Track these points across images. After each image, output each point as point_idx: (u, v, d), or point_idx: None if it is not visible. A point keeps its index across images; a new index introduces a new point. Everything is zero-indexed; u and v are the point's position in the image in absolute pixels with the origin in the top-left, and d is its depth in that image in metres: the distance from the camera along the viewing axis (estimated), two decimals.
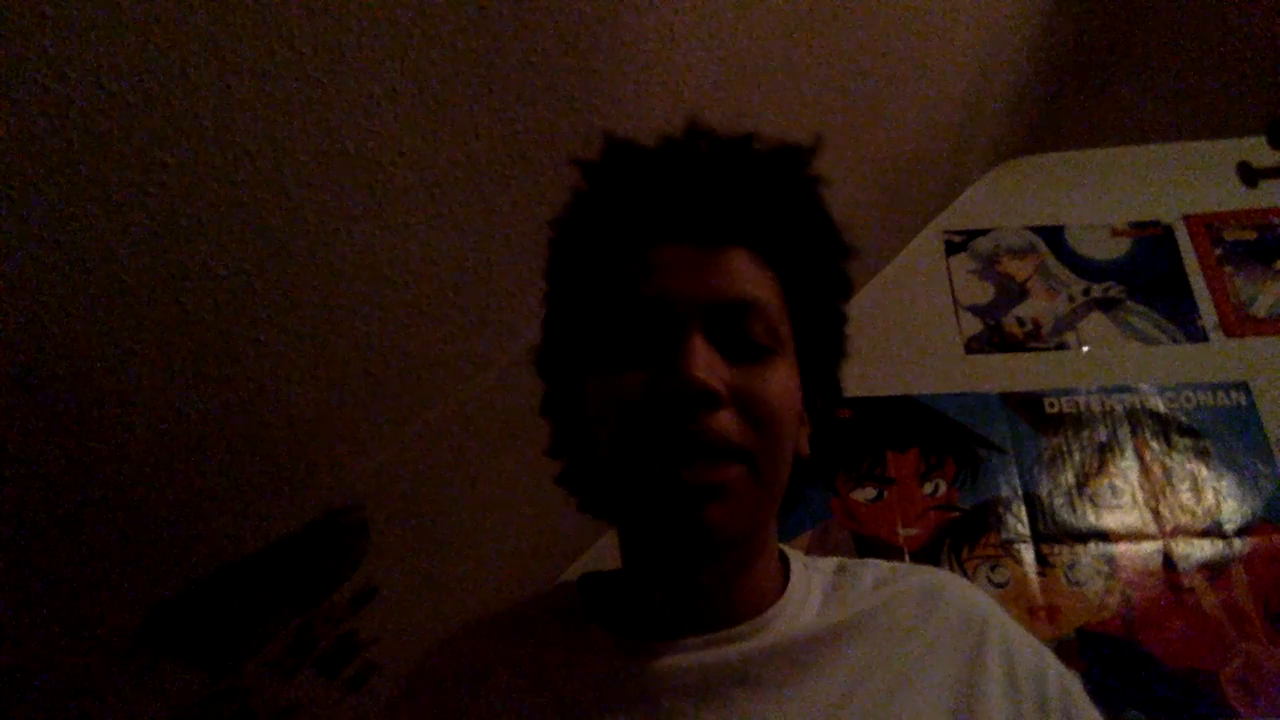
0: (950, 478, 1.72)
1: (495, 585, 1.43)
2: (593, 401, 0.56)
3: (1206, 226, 1.95)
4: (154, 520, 0.84)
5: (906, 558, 1.65)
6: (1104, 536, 1.64)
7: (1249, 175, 1.64)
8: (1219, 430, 1.72)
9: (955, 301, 1.93)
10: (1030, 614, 1.57)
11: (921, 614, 0.59)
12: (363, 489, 1.06)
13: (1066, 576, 1.61)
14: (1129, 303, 1.89)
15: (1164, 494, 1.67)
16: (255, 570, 0.98)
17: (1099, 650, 1.54)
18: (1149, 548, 1.62)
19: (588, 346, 0.58)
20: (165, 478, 0.82)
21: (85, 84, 0.59)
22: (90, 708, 0.91)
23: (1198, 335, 1.83)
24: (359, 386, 0.96)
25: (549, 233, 0.63)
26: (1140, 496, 1.67)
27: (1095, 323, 1.88)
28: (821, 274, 0.61)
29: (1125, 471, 1.70)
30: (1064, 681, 0.58)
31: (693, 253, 0.55)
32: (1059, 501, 1.68)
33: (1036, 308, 1.90)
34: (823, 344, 0.62)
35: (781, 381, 0.55)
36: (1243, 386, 1.75)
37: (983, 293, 1.94)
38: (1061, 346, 1.86)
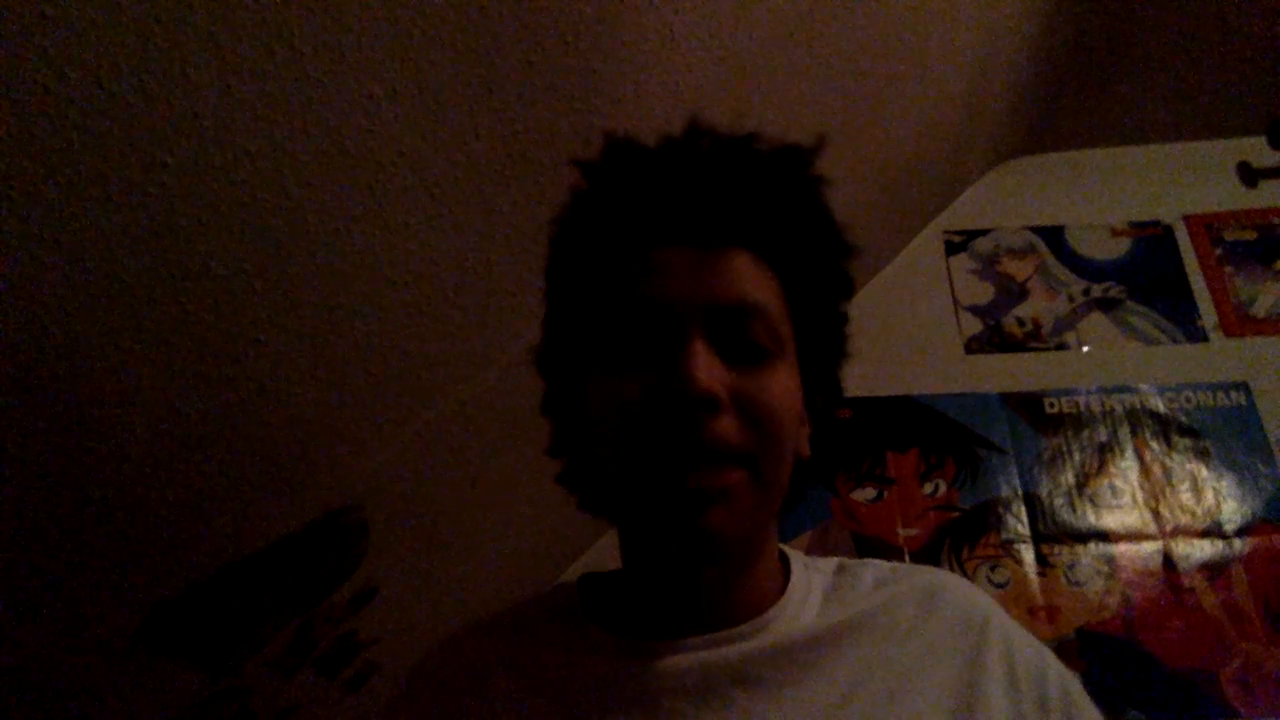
0: (950, 478, 1.72)
1: (495, 585, 1.43)
2: (593, 404, 0.56)
3: (1206, 226, 1.95)
4: (154, 520, 0.84)
5: (906, 558, 1.65)
6: (1104, 536, 1.64)
7: (1249, 175, 1.65)
8: (1219, 430, 1.72)
9: (955, 301, 1.93)
10: (1030, 614, 1.57)
11: (922, 614, 0.59)
12: (363, 489, 1.06)
13: (1066, 576, 1.61)
14: (1129, 303, 1.89)
15: (1164, 494, 1.67)
16: (255, 570, 0.98)
17: (1099, 650, 1.54)
18: (1149, 548, 1.62)
19: (588, 347, 0.58)
20: (165, 478, 0.82)
21: (85, 84, 0.59)
22: (90, 708, 0.91)
23: (1198, 335, 1.83)
24: (359, 386, 0.96)
25: (549, 231, 0.63)
26: (1140, 496, 1.67)
27: (1095, 323, 1.88)
28: (823, 275, 0.61)
29: (1125, 471, 1.70)
30: (1064, 681, 0.58)
31: (693, 254, 0.55)
32: (1059, 501, 1.68)
33: (1036, 308, 1.90)
34: (824, 345, 0.62)
35: (782, 385, 0.54)
36: (1243, 386, 1.75)
37: (983, 293, 1.94)
38: (1061, 346, 1.86)
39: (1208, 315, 1.85)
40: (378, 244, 0.87)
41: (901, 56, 1.44)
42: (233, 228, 0.74)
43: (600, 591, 0.63)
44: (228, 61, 0.66)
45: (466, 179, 0.91)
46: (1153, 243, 1.95)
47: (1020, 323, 1.89)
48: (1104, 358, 1.83)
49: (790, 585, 0.60)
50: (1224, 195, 1.94)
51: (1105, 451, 1.73)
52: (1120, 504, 1.67)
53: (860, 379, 1.79)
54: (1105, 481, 1.70)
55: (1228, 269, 1.90)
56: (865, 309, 1.88)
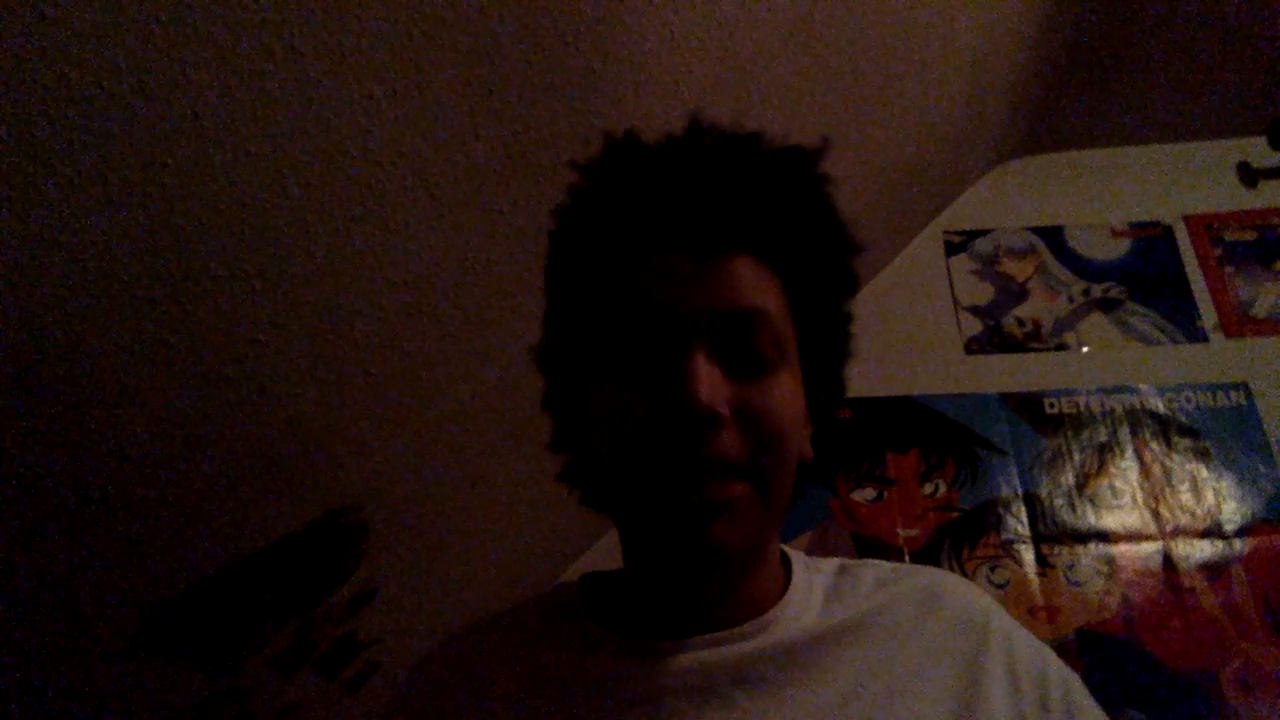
0: (950, 478, 1.72)
1: (495, 585, 1.43)
2: (595, 412, 0.56)
3: (1206, 227, 1.95)
4: (154, 520, 0.84)
5: (906, 558, 1.65)
6: (1104, 537, 1.64)
7: (1249, 175, 1.65)
8: (1219, 430, 1.72)
9: (955, 302, 1.93)
10: (1030, 614, 1.57)
11: (922, 614, 0.59)
12: (363, 489, 1.06)
13: (1066, 577, 1.61)
14: (1129, 303, 1.89)
15: (1164, 494, 1.67)
16: (255, 570, 0.98)
17: (1099, 650, 1.54)
18: (1149, 548, 1.62)
19: (589, 350, 0.57)
20: (165, 478, 0.82)
21: (85, 84, 0.59)
22: (90, 708, 0.91)
23: (1198, 336, 1.83)
24: (359, 386, 0.96)
25: (549, 225, 0.63)
26: (1140, 497, 1.67)
27: (1095, 323, 1.88)
28: (828, 277, 0.60)
29: (1125, 472, 1.70)
30: (1066, 681, 0.58)
31: (695, 259, 0.54)
32: (1059, 502, 1.68)
33: (1036, 308, 1.90)
34: (828, 346, 0.62)
35: (785, 395, 0.54)
36: (1242, 387, 1.75)
37: (983, 293, 1.94)
38: (1061, 347, 1.86)
39: (1208, 315, 1.85)
40: (378, 244, 0.87)
41: (901, 56, 1.44)
42: (233, 228, 0.74)
43: (601, 591, 0.63)
44: (228, 61, 0.66)
45: (466, 179, 0.91)
46: (1153, 243, 1.95)
47: (1020, 323, 1.89)
48: (1104, 358, 1.83)
49: (791, 586, 0.60)
50: (1224, 195, 1.94)
51: (1105, 452, 1.73)
52: (1120, 504, 1.67)
53: (860, 379, 1.78)
54: (1105, 482, 1.70)
55: (1228, 269, 1.90)
56: (865, 309, 1.87)
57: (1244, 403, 1.74)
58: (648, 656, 0.55)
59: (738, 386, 0.52)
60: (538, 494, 1.34)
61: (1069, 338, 1.86)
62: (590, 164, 0.60)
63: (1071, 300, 1.90)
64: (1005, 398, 1.79)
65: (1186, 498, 1.66)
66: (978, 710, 0.54)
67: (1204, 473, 1.68)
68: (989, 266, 1.97)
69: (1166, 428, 1.74)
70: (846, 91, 1.38)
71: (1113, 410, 1.76)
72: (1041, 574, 1.62)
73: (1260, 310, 1.84)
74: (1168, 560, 1.61)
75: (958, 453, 1.74)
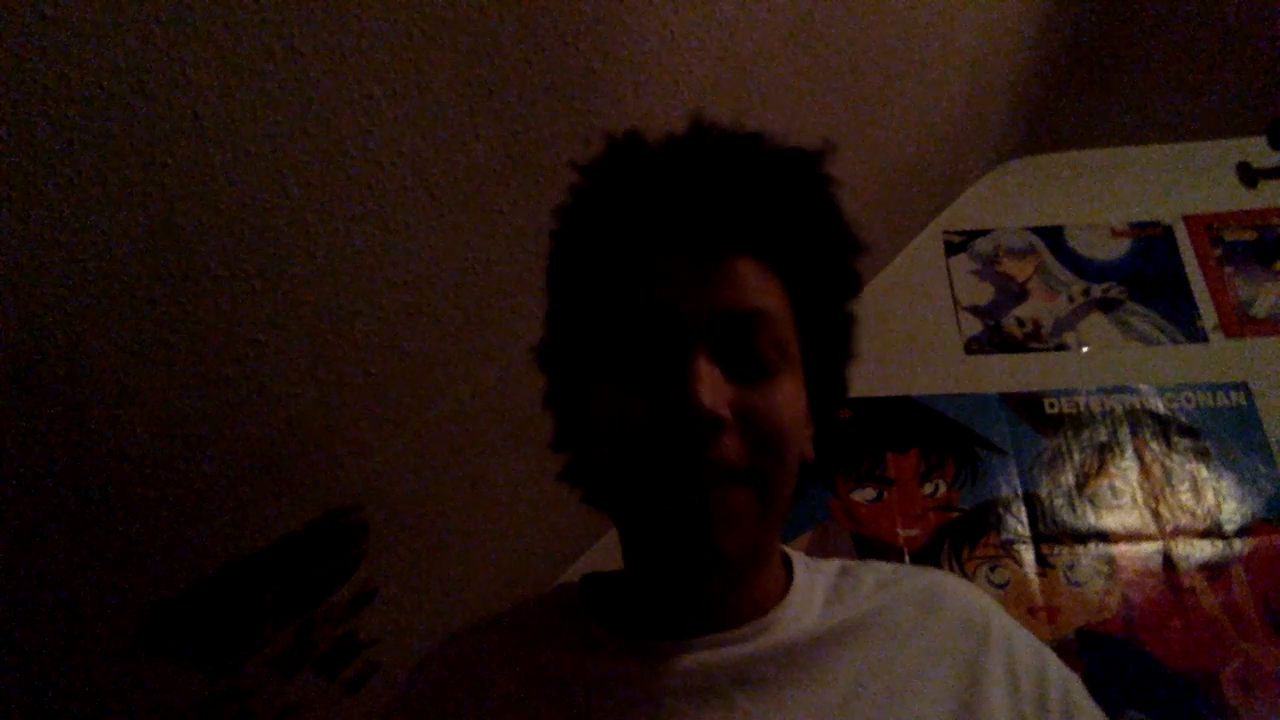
0: (950, 478, 1.72)
1: (495, 585, 1.43)
2: (596, 414, 0.56)
3: (1206, 227, 1.95)
4: (154, 520, 0.84)
5: (906, 558, 1.65)
6: (1104, 537, 1.64)
7: (1249, 175, 1.65)
8: (1219, 430, 1.72)
9: (955, 301, 1.93)
10: (1030, 614, 1.57)
11: (923, 615, 0.59)
12: (363, 489, 1.06)
13: (1066, 577, 1.61)
14: (1129, 303, 1.89)
15: (1164, 494, 1.67)
16: (255, 570, 0.98)
17: (1099, 650, 1.54)
18: (1149, 548, 1.62)
19: (591, 350, 0.57)
20: (165, 478, 0.82)
21: (85, 84, 0.59)
22: (90, 708, 0.91)
23: (1198, 336, 1.83)
24: (359, 386, 0.96)
25: (550, 224, 0.62)
26: (1140, 497, 1.67)
27: (1095, 323, 1.88)
28: (831, 278, 0.60)
29: (1125, 472, 1.70)
30: (1066, 682, 0.58)
31: (698, 262, 0.54)
32: (1059, 502, 1.68)
33: (1036, 308, 1.90)
34: (831, 348, 0.62)
35: (787, 398, 0.54)
36: (1242, 387, 1.75)
37: (983, 293, 1.94)
38: (1061, 347, 1.86)
39: (1208, 315, 1.85)
40: (378, 244, 0.87)
41: (901, 56, 1.44)
42: (233, 228, 0.74)
43: (602, 592, 0.63)
44: (228, 61, 0.66)
45: (466, 179, 0.91)
46: (1152, 243, 1.95)
47: (1020, 323, 1.89)
48: (1104, 358, 1.83)
49: (792, 587, 0.60)
50: (1224, 195, 1.94)
51: (1105, 452, 1.73)
52: (1120, 504, 1.67)
53: (860, 379, 1.77)
54: (1105, 482, 1.70)
55: (1228, 269, 1.90)
56: (865, 309, 1.86)
57: (1244, 403, 1.74)
58: (648, 657, 0.55)
59: (739, 389, 0.52)
60: (538, 494, 1.34)
61: (1069, 338, 1.86)
62: (592, 164, 0.60)
63: (1071, 300, 1.90)
64: (1005, 398, 1.79)
65: (1186, 498, 1.66)
66: (978, 711, 0.54)
67: (1204, 473, 1.68)
68: (989, 266, 1.97)
69: (1166, 428, 1.74)
70: (846, 91, 1.38)
71: (1113, 410, 1.76)
72: (1041, 574, 1.62)
73: (1260, 310, 1.84)
74: (1168, 560, 1.61)
75: (958, 453, 1.74)
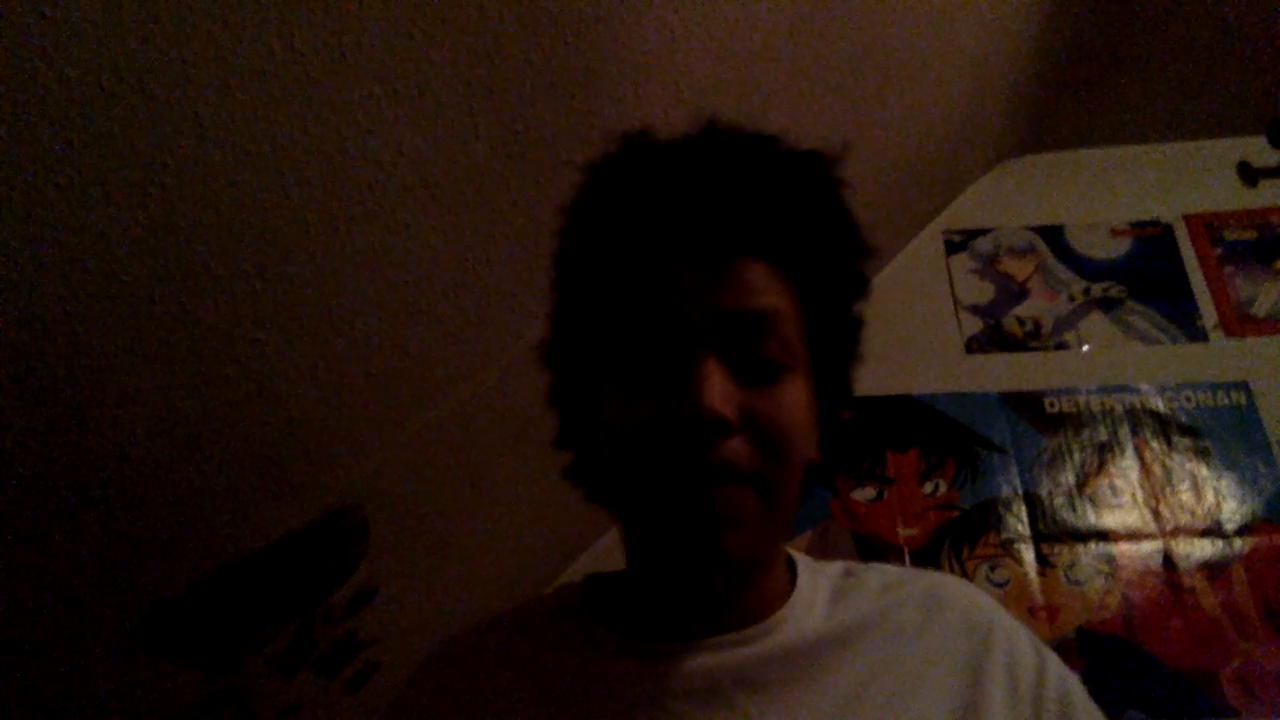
0: (950, 477, 1.72)
1: (495, 585, 1.43)
2: (603, 416, 0.55)
3: (1206, 226, 1.95)
4: (154, 520, 0.84)
5: (907, 557, 1.65)
6: (1104, 536, 1.64)
7: (1249, 175, 1.64)
8: (1219, 430, 1.72)
9: (955, 301, 1.93)
10: (1030, 614, 1.57)
11: (926, 617, 0.59)
12: (363, 489, 1.06)
13: (1066, 576, 1.61)
14: (1129, 302, 1.89)
15: (1164, 494, 1.67)
16: (255, 570, 0.98)
17: (1099, 650, 1.54)
18: (1149, 548, 1.62)
19: (597, 350, 0.57)
20: (165, 477, 0.82)
21: (85, 84, 0.59)
22: (90, 708, 0.91)
23: (1198, 335, 1.83)
24: (359, 386, 0.96)
25: (555, 222, 0.62)
26: (1140, 496, 1.67)
27: (1095, 323, 1.88)
28: (841, 282, 0.60)
29: (1125, 471, 1.70)
30: (1064, 682, 0.58)
31: (707, 265, 0.53)
32: (1059, 501, 1.68)
33: (1036, 307, 1.90)
34: (838, 350, 0.62)
35: (794, 401, 0.54)
36: (1243, 386, 1.75)
37: (983, 292, 1.94)
38: (1061, 346, 1.86)
39: (1208, 315, 1.85)
40: (378, 244, 0.87)
41: (901, 56, 1.44)
42: (233, 228, 0.74)
43: (605, 592, 0.63)
44: (228, 61, 0.66)
45: (467, 178, 0.91)
46: (1153, 242, 1.95)
47: (1020, 322, 1.89)
48: (1104, 357, 1.83)
49: (796, 589, 0.60)
50: (1224, 195, 1.94)
51: (1105, 451, 1.73)
52: (1120, 504, 1.67)
53: (860, 378, 1.78)
54: (1105, 481, 1.70)
55: (1228, 269, 1.90)
56: (866, 308, 1.87)
57: (1244, 402, 1.74)
58: (652, 659, 0.55)
59: (746, 392, 0.52)
60: (538, 494, 1.34)
61: (1069, 337, 1.86)
62: (602, 162, 0.59)
63: (1072, 299, 1.91)
64: (1005, 397, 1.79)
65: (1186, 497, 1.66)
66: (980, 712, 0.54)
67: (1204, 472, 1.68)
68: (989, 266, 1.97)
69: (1166, 427, 1.74)
70: (846, 91, 1.38)
71: (1113, 410, 1.76)
72: (1041, 573, 1.62)
73: (1260, 310, 1.85)
74: (1168, 560, 1.61)
75: (958, 452, 1.74)
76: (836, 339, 0.61)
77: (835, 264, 0.59)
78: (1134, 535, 1.64)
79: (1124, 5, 1.74)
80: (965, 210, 2.05)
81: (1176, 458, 1.70)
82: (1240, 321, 1.84)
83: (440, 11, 0.77)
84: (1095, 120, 2.02)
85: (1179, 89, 1.93)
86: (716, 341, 0.52)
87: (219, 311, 0.78)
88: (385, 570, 1.17)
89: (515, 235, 1.01)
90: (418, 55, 0.78)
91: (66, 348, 0.69)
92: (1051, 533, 1.65)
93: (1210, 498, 1.66)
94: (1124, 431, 1.74)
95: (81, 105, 0.60)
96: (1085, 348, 1.85)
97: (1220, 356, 1.80)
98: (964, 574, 1.61)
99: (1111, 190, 2.03)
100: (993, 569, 1.63)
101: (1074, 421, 1.76)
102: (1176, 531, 1.63)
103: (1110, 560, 1.62)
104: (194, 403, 0.81)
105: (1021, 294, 1.93)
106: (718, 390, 0.50)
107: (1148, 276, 1.91)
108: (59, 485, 0.75)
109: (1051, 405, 1.78)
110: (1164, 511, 1.65)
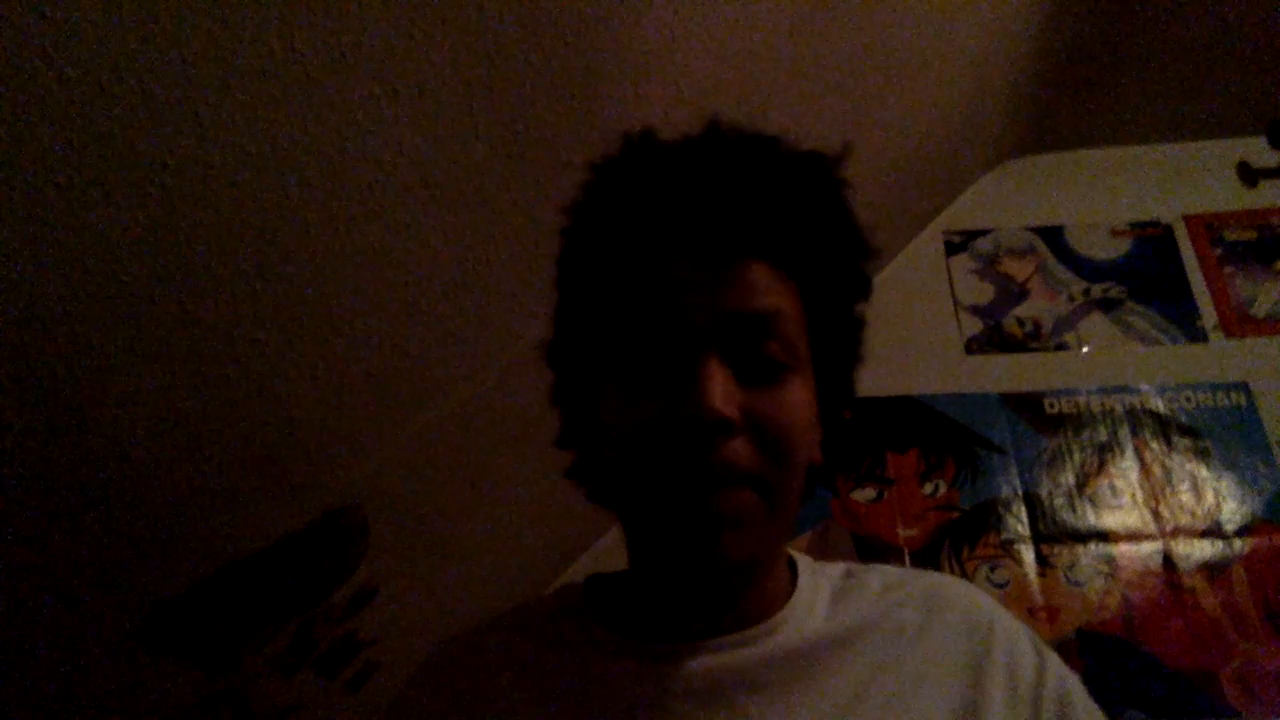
0: (950, 478, 1.72)
1: (495, 585, 1.43)
2: (605, 416, 0.55)
3: (1206, 226, 1.95)
4: (154, 520, 0.84)
5: (906, 558, 1.65)
6: (1104, 536, 1.64)
7: (1249, 175, 1.64)
8: (1219, 430, 1.72)
9: (955, 301, 1.93)
10: (1030, 614, 1.57)
11: (927, 618, 0.59)
12: (363, 489, 1.06)
13: (1066, 576, 1.61)
14: (1129, 303, 1.89)
15: (1164, 494, 1.67)
16: (255, 570, 0.98)
17: (1099, 650, 1.54)
18: (1149, 548, 1.62)
19: (601, 352, 0.57)
20: (165, 477, 0.82)
21: (85, 84, 0.59)
22: (90, 708, 0.91)
23: (1198, 335, 1.83)
24: (359, 386, 0.96)
25: (557, 222, 0.62)
26: (1140, 496, 1.67)
27: (1095, 323, 1.88)
28: (844, 282, 0.60)
29: (1125, 471, 1.70)
30: (1063, 682, 0.58)
31: (712, 267, 0.53)
32: (1059, 501, 1.68)
33: (1036, 308, 1.90)
34: (840, 351, 0.62)
35: (796, 401, 0.54)
36: (1243, 386, 1.75)
37: (983, 293, 1.94)
38: (1061, 346, 1.86)
39: (1208, 315, 1.85)
40: (378, 244, 0.87)
41: (902, 56, 1.44)
42: (233, 228, 0.74)
43: (607, 592, 0.63)
44: (228, 61, 0.66)
45: (467, 178, 0.91)
46: (1153, 243, 1.95)
47: (1020, 323, 1.89)
48: (1104, 358, 1.83)
49: (797, 590, 0.60)
50: (1224, 195, 1.94)
51: (1105, 451, 1.73)
52: (1120, 504, 1.67)
53: (860, 379, 1.78)
54: (1105, 481, 1.70)
55: (1228, 269, 1.90)
56: (865, 309, 1.87)
57: (1244, 403, 1.74)
58: (653, 660, 0.55)
59: (749, 393, 0.52)
60: (538, 494, 1.34)
61: (1069, 337, 1.86)
62: (606, 162, 0.59)
63: (1072, 300, 1.91)
64: (1005, 398, 1.79)
65: (1186, 498, 1.66)
66: (980, 712, 0.54)
67: (1204, 473, 1.68)
68: (989, 266, 1.97)
69: (1166, 428, 1.74)
70: (847, 91, 1.38)
71: (1113, 410, 1.76)
72: (1041, 574, 1.62)
73: (1260, 310, 1.84)
74: (1168, 560, 1.61)
75: (958, 452, 1.74)
76: (839, 340, 0.61)
77: (837, 265, 0.59)
78: (1134, 536, 1.64)
79: (1124, 5, 1.74)
80: (965, 210, 2.05)
81: (1176, 458, 1.70)
82: (1240, 322, 1.84)
83: (440, 11, 0.77)
84: (1095, 120, 2.02)
85: (1179, 89, 1.93)
86: (719, 342, 0.52)
87: (219, 311, 0.78)
88: (385, 570, 1.17)
89: (515, 235, 1.01)
90: (418, 55, 0.78)
91: (66, 348, 0.69)
92: (1051, 533, 1.65)
93: (1210, 498, 1.66)
94: (1124, 432, 1.74)
95: (81, 105, 0.60)
96: (1085, 348, 1.85)
97: (1220, 357, 1.80)
98: (964, 574, 1.61)
99: (1111, 191, 2.03)
100: (993, 570, 1.63)
101: (1074, 422, 1.76)
102: (1176, 532, 1.63)
103: (1110, 561, 1.62)
104: (194, 403, 0.81)
105: (1021, 294, 1.93)
106: (720, 390, 0.50)
107: (1148, 277, 1.91)
108: (59, 485, 0.75)
109: (1051, 406, 1.78)
110: (1164, 512, 1.65)
